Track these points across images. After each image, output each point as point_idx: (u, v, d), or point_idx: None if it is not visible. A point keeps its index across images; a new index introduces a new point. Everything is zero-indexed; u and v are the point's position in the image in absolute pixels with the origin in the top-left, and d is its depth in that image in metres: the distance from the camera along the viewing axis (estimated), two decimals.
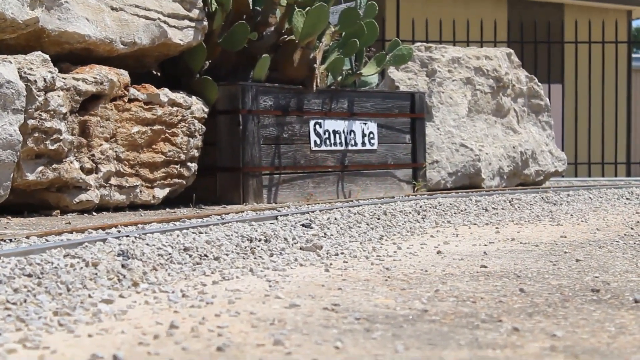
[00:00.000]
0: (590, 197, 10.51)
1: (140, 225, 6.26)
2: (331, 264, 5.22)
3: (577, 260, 5.53)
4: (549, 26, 22.22)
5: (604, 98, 20.67)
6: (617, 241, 6.61)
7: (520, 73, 14.57)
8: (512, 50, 15.07)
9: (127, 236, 5.37)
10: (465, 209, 8.50)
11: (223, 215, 7.42)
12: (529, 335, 3.34)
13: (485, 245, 6.30)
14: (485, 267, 5.24)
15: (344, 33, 11.51)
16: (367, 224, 6.99)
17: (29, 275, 4.09)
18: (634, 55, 28.57)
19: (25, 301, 3.67)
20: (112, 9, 8.76)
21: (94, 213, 8.40)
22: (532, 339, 3.28)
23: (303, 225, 6.55)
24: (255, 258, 5.28)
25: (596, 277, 4.87)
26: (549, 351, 3.08)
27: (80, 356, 2.92)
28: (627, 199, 10.78)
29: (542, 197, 9.98)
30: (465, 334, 3.37)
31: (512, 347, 3.14)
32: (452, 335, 3.33)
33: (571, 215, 8.72)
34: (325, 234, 6.35)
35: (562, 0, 28.64)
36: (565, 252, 5.93)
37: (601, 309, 3.90)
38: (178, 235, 5.63)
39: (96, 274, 4.30)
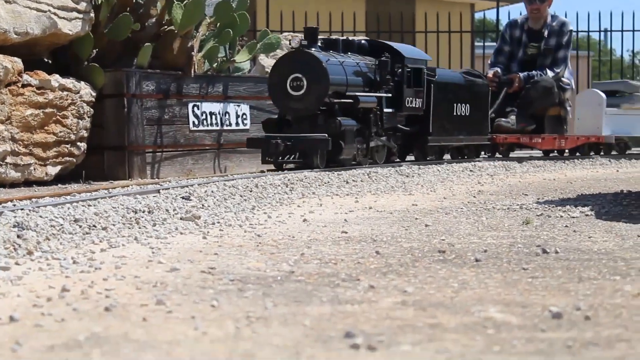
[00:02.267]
0: (438, 170, 10.60)
1: (34, 200, 6.20)
2: (208, 232, 5.21)
3: (426, 226, 5.61)
4: (402, 18, 22.47)
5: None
6: (461, 208, 6.71)
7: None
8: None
9: (21, 209, 5.31)
10: (329, 182, 8.53)
11: (110, 189, 7.37)
12: (383, 292, 3.40)
13: (346, 213, 6.35)
14: (346, 232, 5.28)
15: (218, 24, 11.50)
16: (241, 196, 6.99)
17: None
18: (476, 44, 28.91)
19: None
20: (6, 1, 8.68)
21: None
22: (386, 295, 3.34)
23: (183, 197, 6.54)
24: (139, 228, 5.25)
25: (443, 239, 4.95)
26: (400, 305, 3.15)
27: None
28: (470, 171, 10.92)
29: (396, 170, 10.04)
30: (327, 291, 3.42)
31: (368, 302, 3.19)
32: (316, 293, 3.38)
33: (422, 186, 8.82)
34: (203, 205, 6.34)
35: None
36: (416, 219, 6.00)
37: (446, 268, 3.98)
38: (69, 208, 5.57)
39: None
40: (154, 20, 10.65)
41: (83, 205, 5.76)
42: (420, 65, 11.52)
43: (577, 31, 23.40)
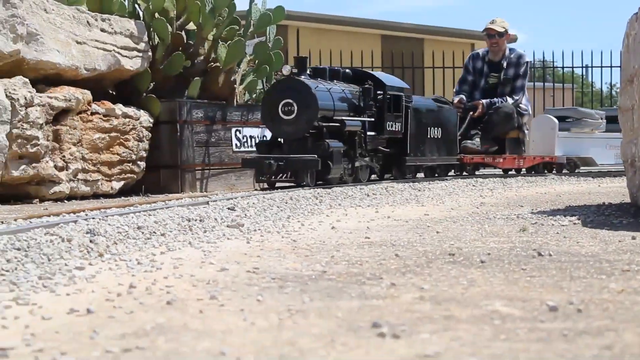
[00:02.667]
0: (446, 185, 10.59)
1: (102, 210, 6.22)
2: (251, 238, 5.18)
3: (437, 232, 5.57)
4: (412, 55, 22.49)
5: None
6: (467, 217, 6.67)
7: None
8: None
9: (92, 218, 5.33)
10: (352, 195, 8.52)
11: (166, 201, 7.39)
12: (403, 289, 3.38)
13: (368, 222, 6.32)
14: (369, 238, 5.25)
15: (257, 61, 11.53)
16: (278, 207, 6.98)
17: (18, 249, 4.06)
18: None
19: (16, 269, 3.65)
20: (77, 42, 8.79)
21: (65, 201, 8.45)
22: (406, 291, 3.32)
23: (228, 208, 6.54)
24: (192, 234, 5.23)
25: (452, 244, 4.92)
26: (418, 300, 3.14)
27: (61, 310, 2.91)
28: (473, 186, 10.87)
29: (409, 185, 10.05)
30: (355, 288, 3.40)
31: (391, 298, 3.18)
32: (345, 290, 3.36)
33: (432, 198, 8.79)
34: (245, 215, 6.34)
35: (422, 36, 28.99)
36: (428, 226, 5.97)
37: (456, 268, 3.96)
38: (132, 217, 5.59)
39: (70, 247, 4.27)
40: (202, 58, 10.77)
41: (144, 215, 5.78)
42: (399, 92, 11.10)
43: (563, 67, 23.46)
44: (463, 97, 14.02)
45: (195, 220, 5.74)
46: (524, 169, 14.30)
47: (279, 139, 9.79)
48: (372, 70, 16.36)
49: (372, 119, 10.44)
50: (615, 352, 2.36)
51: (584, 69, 26.15)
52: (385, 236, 5.38)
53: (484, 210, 7.38)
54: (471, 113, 13.66)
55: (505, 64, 14.22)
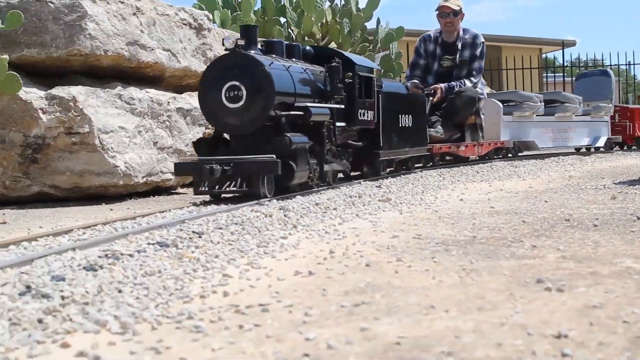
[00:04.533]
0: (535, 162, 10.44)
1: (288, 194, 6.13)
2: (401, 210, 5.13)
3: (545, 202, 5.44)
4: (490, 60, 22.32)
5: None
6: (563, 188, 6.53)
7: (487, 89, 14.48)
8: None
9: (282, 199, 5.36)
10: (466, 172, 8.43)
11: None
12: (544, 250, 3.30)
13: (486, 194, 6.22)
14: (493, 207, 5.14)
15: (382, 70, 11.49)
16: (412, 184, 6.93)
17: (236, 224, 4.09)
18: (543, 75, 28.34)
19: (238, 239, 3.64)
20: None
21: None
22: (547, 252, 3.24)
23: (376, 186, 6.54)
24: (355, 207, 5.19)
25: (562, 211, 4.79)
26: (561, 259, 3.05)
27: (288, 272, 2.91)
28: (556, 162, 10.68)
29: (508, 163, 9.91)
30: (504, 250, 3.33)
31: (539, 258, 3.11)
32: (498, 252, 3.30)
33: (528, 173, 8.63)
34: (389, 190, 6.30)
35: (499, 43, 28.49)
36: (535, 197, 5.84)
37: (577, 231, 3.84)
38: (310, 196, 5.61)
39: (272, 221, 4.28)
40: None
41: (318, 194, 5.78)
42: (370, 74, 7.41)
43: (610, 65, 22.90)
44: (416, 81, 10.67)
45: (355, 196, 5.71)
46: (477, 157, 10.94)
47: (225, 135, 6.17)
48: None
49: (342, 106, 6.75)
50: None
51: (627, 65, 25.65)
52: (505, 205, 5.28)
53: (574, 183, 7.22)
54: (430, 98, 10.21)
55: (459, 45, 10.85)
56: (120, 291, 2.51)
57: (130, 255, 3.05)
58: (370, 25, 11.72)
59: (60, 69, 7.05)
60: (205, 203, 5.42)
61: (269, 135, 5.77)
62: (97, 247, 3.27)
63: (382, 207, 5.32)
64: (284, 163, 5.53)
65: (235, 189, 5.47)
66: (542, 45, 30.68)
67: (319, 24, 10.32)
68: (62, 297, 2.37)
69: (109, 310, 2.28)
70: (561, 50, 28.09)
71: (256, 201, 5.17)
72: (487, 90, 12.63)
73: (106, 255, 3.03)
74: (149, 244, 3.38)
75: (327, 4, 10.66)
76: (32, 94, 6.55)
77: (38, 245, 3.48)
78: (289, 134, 5.66)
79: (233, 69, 5.77)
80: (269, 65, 5.84)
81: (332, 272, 2.91)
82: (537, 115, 12.49)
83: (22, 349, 1.96)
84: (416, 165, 8.81)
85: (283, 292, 2.54)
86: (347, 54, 7.27)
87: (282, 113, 5.87)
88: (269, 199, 5.37)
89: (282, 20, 10.36)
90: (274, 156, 5.50)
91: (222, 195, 5.72)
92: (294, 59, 6.55)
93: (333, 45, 10.64)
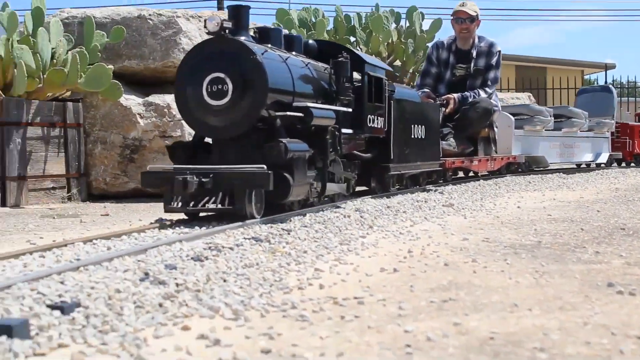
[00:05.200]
0: (581, 175, 10.26)
1: (361, 197, 5.97)
2: (464, 215, 5.05)
3: (597, 211, 5.30)
4: (537, 80, 22.19)
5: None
6: (612, 199, 6.38)
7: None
8: (530, 94, 14.91)
9: (356, 202, 5.32)
10: (519, 182, 8.30)
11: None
12: (607, 256, 3.22)
13: (541, 202, 6.11)
14: (550, 215, 5.04)
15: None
16: (471, 192, 6.85)
17: (319, 222, 4.07)
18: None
19: (322, 237, 3.63)
20: None
21: None
22: (611, 258, 3.16)
23: (439, 192, 6.48)
24: (422, 211, 5.12)
25: (616, 220, 4.67)
26: (626, 265, 2.97)
27: (374, 268, 2.88)
28: (601, 175, 10.47)
29: (557, 175, 9.75)
30: (570, 256, 3.25)
31: (604, 263, 3.03)
32: (564, 256, 3.22)
33: (577, 184, 8.48)
34: (451, 197, 6.23)
35: (545, 65, 28.20)
36: (587, 207, 5.71)
37: (635, 240, 3.73)
38: (382, 199, 5.57)
39: (350, 221, 4.26)
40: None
41: (388, 198, 5.74)
42: (381, 74, 5.78)
43: None
44: (427, 90, 8.96)
45: (422, 201, 5.66)
46: (484, 171, 9.19)
47: (207, 140, 4.62)
48: (516, 92, 15.92)
49: (349, 110, 5.16)
50: None
51: None
52: (561, 214, 5.17)
53: (621, 194, 7.06)
54: (442, 109, 8.48)
55: (474, 54, 9.18)
56: (225, 280, 2.52)
57: (231, 249, 3.07)
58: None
59: (156, 79, 7.14)
60: (177, 222, 4.03)
61: (259, 140, 4.31)
62: (201, 240, 3.29)
63: (447, 211, 5.25)
64: (277, 175, 4.06)
65: (214, 206, 3.98)
66: (584, 67, 30.28)
67: (385, 43, 10.27)
68: (177, 284, 2.39)
69: (219, 297, 2.29)
70: (602, 72, 27.64)
71: (240, 223, 3.80)
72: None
73: (209, 248, 3.05)
74: (245, 238, 3.39)
75: (393, 25, 10.60)
76: (132, 101, 6.64)
77: (147, 237, 3.51)
78: (284, 140, 4.14)
79: (217, 57, 4.27)
80: (262, 54, 4.33)
81: (414, 270, 2.88)
82: (545, 130, 10.93)
83: (147, 330, 1.97)
84: (428, 181, 7.24)
85: (373, 287, 2.53)
86: (356, 50, 5.83)
87: (277, 114, 4.37)
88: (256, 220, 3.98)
89: (352, 39, 10.33)
90: (264, 167, 4.01)
91: (200, 213, 4.23)
92: (294, 52, 5.03)
93: (397, 63, 10.59)
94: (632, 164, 14.44)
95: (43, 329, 1.92)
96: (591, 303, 2.27)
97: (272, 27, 5.00)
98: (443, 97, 8.64)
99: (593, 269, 2.88)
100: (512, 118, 9.86)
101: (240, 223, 3.79)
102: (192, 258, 2.79)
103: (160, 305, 2.17)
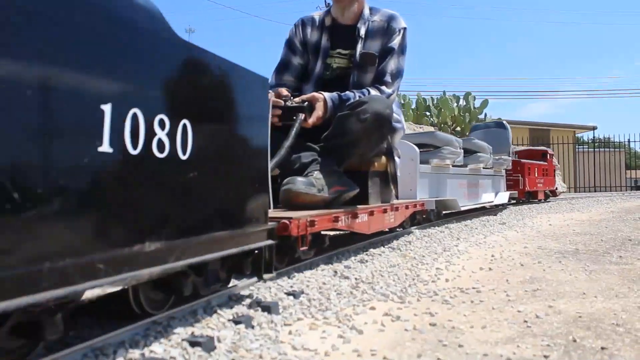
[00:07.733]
0: (584, 201, 9.79)
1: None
2: (516, 230, 4.89)
3: (605, 227, 5.04)
4: (543, 138, 21.61)
5: (564, 166, 19.98)
6: (612, 219, 6.07)
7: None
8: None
9: (444, 218, 5.24)
10: (544, 207, 8.01)
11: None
12: (629, 259, 3.05)
13: (564, 221, 5.85)
14: (575, 230, 4.83)
15: None
16: (514, 213, 6.66)
17: (426, 236, 4.02)
18: (578, 148, 26.62)
19: (429, 246, 3.56)
20: None
21: None
22: (633, 260, 3.00)
23: (494, 214, 6.32)
24: (487, 228, 4.99)
25: (622, 233, 4.43)
26: None
27: (475, 267, 2.81)
28: (597, 201, 9.98)
29: (567, 202, 9.33)
30: (602, 258, 3.10)
31: (630, 264, 2.88)
32: (599, 259, 3.07)
33: (584, 208, 8.11)
34: (503, 218, 6.07)
35: (549, 127, 27.27)
36: (597, 224, 5.43)
37: None
38: (463, 221, 5.48)
39: (444, 235, 4.20)
40: None
41: (464, 221, 5.59)
42: None
43: (616, 142, 21.44)
44: (283, 89, 2.54)
45: (485, 221, 5.54)
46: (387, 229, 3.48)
47: None
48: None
49: None
50: None
51: (627, 142, 24.04)
52: (582, 229, 4.94)
53: (617, 215, 6.73)
54: (301, 118, 2.38)
55: (362, 31, 2.70)
56: (382, 275, 2.54)
57: (380, 255, 3.09)
58: (481, 116, 11.49)
59: None
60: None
61: None
62: (361, 250, 3.32)
63: (502, 228, 5.11)
64: None
65: None
66: (575, 128, 29.09)
67: (450, 116, 10.18)
68: (355, 279, 2.43)
69: (385, 287, 2.31)
70: (587, 132, 26.48)
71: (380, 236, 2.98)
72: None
73: (366, 254, 3.08)
74: (384, 247, 3.41)
75: (455, 104, 10.50)
76: None
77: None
78: None
79: None
80: None
81: (502, 268, 2.82)
82: (453, 166, 5.57)
83: (348, 309, 2.01)
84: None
85: (482, 280, 2.49)
86: None
87: None
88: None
89: (427, 113, 10.30)
90: None
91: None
92: None
93: (458, 129, 10.47)
94: (522, 200, 10.00)
95: (286, 308, 1.99)
96: (635, 292, 2.19)
97: None
98: (304, 96, 2.54)
99: (625, 268, 2.76)
100: (417, 149, 4.60)
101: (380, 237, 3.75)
102: (358, 261, 2.84)
103: (351, 292, 2.21)
